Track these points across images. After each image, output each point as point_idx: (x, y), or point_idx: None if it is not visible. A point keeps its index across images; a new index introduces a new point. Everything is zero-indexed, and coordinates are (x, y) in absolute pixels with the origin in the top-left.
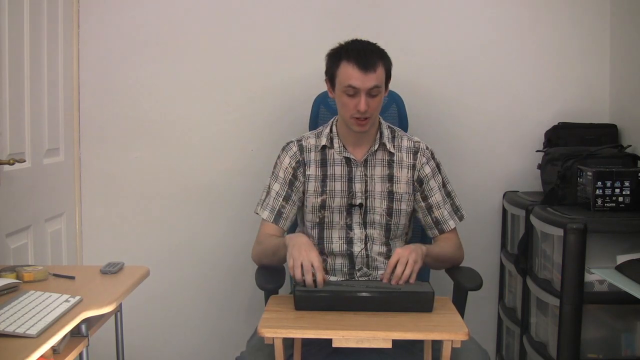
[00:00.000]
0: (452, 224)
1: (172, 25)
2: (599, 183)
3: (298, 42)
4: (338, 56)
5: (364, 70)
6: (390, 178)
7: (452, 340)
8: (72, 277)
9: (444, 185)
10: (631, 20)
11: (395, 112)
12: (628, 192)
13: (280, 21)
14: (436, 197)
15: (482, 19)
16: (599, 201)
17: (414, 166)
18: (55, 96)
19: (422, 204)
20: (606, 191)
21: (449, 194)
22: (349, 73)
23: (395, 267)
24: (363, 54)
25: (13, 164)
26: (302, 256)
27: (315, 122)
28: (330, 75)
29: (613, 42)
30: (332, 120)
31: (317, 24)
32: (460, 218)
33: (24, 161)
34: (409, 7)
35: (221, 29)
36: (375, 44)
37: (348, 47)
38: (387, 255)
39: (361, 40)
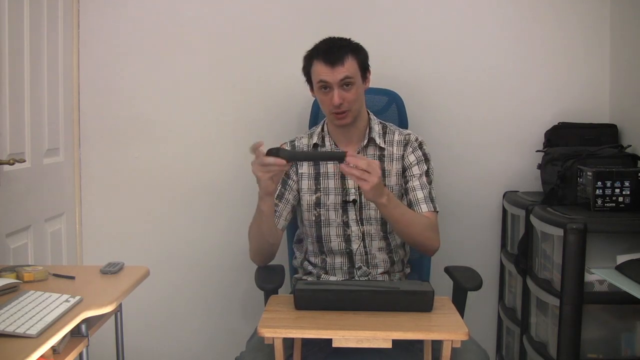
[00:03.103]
0: (424, 207)
1: (172, 26)
2: (599, 183)
3: (297, 42)
4: (310, 57)
5: (331, 65)
6: (382, 172)
7: (452, 340)
8: (72, 277)
9: (426, 174)
10: (631, 20)
11: (395, 112)
12: (628, 192)
13: (280, 21)
14: (414, 181)
15: (483, 19)
16: (599, 201)
17: (402, 157)
18: (55, 96)
19: (403, 187)
20: (606, 191)
21: (430, 182)
22: (319, 70)
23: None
24: (330, 50)
25: (13, 164)
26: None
27: (314, 122)
28: (307, 76)
29: (613, 42)
30: (324, 119)
31: (316, 24)
32: (434, 208)
33: (24, 161)
34: (409, 7)
35: (221, 29)
36: (348, 39)
37: (317, 47)
38: (388, 250)
39: (332, 37)
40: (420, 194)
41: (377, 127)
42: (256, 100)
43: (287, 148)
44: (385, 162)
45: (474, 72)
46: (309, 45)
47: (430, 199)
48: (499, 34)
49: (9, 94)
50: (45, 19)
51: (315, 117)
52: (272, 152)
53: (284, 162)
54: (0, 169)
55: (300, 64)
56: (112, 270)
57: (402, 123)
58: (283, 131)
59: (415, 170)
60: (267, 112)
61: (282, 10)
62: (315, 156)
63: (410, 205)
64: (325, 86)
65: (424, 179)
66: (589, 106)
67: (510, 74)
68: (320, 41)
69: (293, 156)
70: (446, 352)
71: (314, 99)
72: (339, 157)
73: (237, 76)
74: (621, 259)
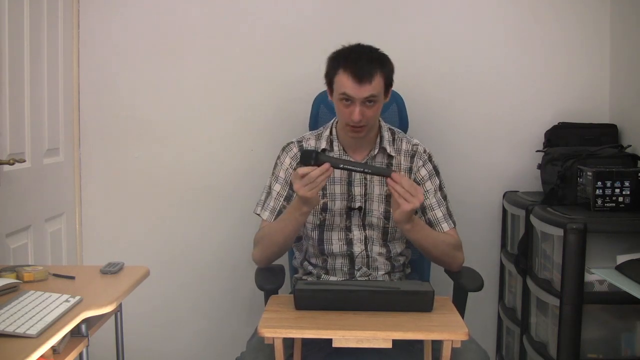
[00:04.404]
0: (445, 226)
1: (172, 26)
2: (599, 183)
3: (298, 42)
4: (337, 63)
5: (359, 81)
6: None
7: (452, 340)
8: (72, 277)
9: (440, 188)
10: (631, 20)
11: (396, 112)
12: (628, 192)
13: (280, 21)
14: (430, 199)
15: (483, 19)
16: (599, 201)
17: (410, 169)
18: (55, 96)
19: None
20: (606, 191)
21: (445, 197)
22: (344, 82)
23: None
24: (360, 64)
25: (13, 164)
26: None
27: (315, 122)
28: (329, 80)
29: (613, 42)
30: (332, 121)
31: (317, 24)
32: (454, 224)
33: (24, 161)
34: (410, 8)
35: (221, 28)
36: (377, 50)
37: (347, 55)
38: (388, 256)
39: (362, 46)
40: (439, 213)
41: (387, 135)
42: (256, 100)
43: (295, 149)
44: None
45: (474, 72)
46: (309, 46)
47: (449, 214)
48: (499, 34)
49: (9, 94)
50: (45, 19)
51: (316, 117)
52: (308, 155)
53: (331, 170)
54: (0, 169)
55: (301, 64)
56: (112, 270)
57: (403, 123)
58: (283, 131)
59: (429, 185)
60: (267, 112)
61: (283, 10)
62: (359, 168)
63: (430, 224)
64: (347, 99)
65: (439, 194)
66: (589, 106)
67: (510, 74)
68: (349, 48)
69: (335, 164)
70: (446, 352)
71: (314, 98)
72: (385, 174)
73: (237, 76)
74: (621, 259)
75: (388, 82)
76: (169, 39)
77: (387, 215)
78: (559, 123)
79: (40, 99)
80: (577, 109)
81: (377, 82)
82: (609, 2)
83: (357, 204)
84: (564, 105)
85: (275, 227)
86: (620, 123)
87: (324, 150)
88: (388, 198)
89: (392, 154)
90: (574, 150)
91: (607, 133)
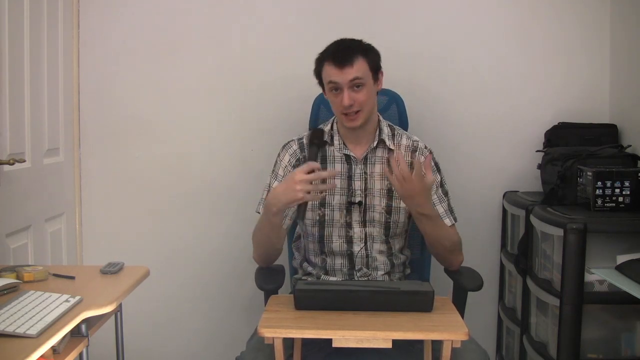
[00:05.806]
0: (447, 222)
1: (172, 25)
2: (599, 183)
3: (297, 42)
4: (321, 59)
5: (340, 66)
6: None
7: (452, 340)
8: (72, 277)
9: (441, 185)
10: (631, 20)
11: (395, 112)
12: (628, 192)
13: (280, 21)
14: (432, 195)
15: (483, 18)
16: (599, 201)
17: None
18: (55, 96)
19: None
20: (606, 191)
21: (446, 194)
22: (329, 71)
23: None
24: (339, 52)
25: (13, 164)
26: (289, 187)
27: (315, 122)
28: (319, 78)
29: (613, 42)
30: (333, 118)
31: (316, 24)
32: (455, 220)
33: (24, 161)
34: (410, 8)
35: (221, 29)
36: (360, 40)
37: (328, 48)
38: (388, 254)
39: (343, 39)
40: (440, 209)
41: (386, 130)
42: (256, 100)
43: (295, 146)
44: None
45: (474, 72)
46: (309, 46)
47: (450, 211)
48: (499, 34)
49: (9, 94)
50: (45, 19)
51: (316, 116)
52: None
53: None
54: (0, 169)
55: (300, 64)
56: (112, 270)
57: (403, 123)
58: (283, 131)
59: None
60: (267, 112)
61: (283, 10)
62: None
63: None
64: (336, 87)
65: (440, 190)
66: (589, 106)
67: (510, 74)
68: (331, 43)
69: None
70: (446, 352)
71: (314, 98)
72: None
73: (237, 76)
74: (621, 259)
75: (374, 67)
76: (169, 39)
77: (388, 210)
78: (559, 123)
79: (40, 99)
80: (577, 109)
81: (360, 66)
82: (609, 2)
83: (357, 199)
84: (564, 105)
85: (257, 227)
86: (620, 123)
87: (324, 143)
88: (389, 192)
89: (392, 147)
90: (574, 150)
91: (607, 133)
